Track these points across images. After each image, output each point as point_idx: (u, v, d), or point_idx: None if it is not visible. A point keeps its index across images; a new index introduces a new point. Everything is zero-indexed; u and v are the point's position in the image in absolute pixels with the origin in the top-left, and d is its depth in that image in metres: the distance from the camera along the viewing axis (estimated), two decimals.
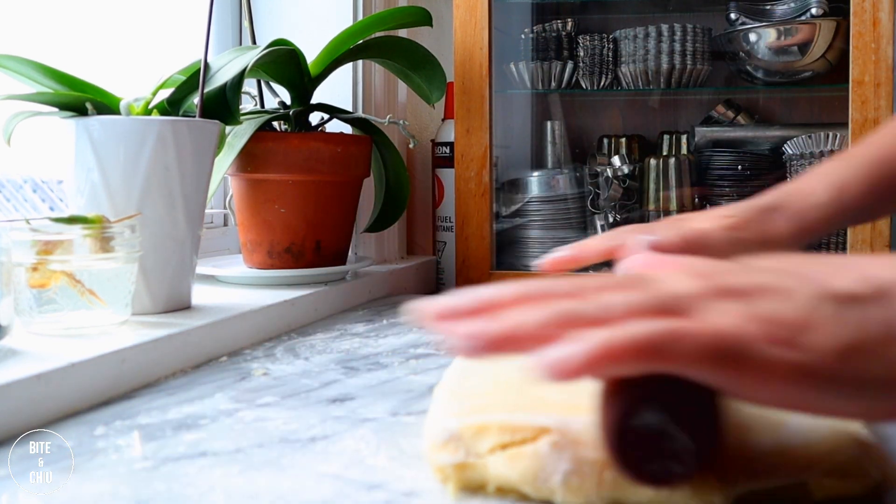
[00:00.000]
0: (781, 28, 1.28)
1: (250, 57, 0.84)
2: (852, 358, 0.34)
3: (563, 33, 1.39)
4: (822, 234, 0.76)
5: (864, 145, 0.76)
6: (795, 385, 0.33)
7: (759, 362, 0.33)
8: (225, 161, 0.94)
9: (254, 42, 1.02)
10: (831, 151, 1.24)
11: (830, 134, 1.25)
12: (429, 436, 0.44)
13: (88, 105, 0.74)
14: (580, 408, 0.39)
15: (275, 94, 1.05)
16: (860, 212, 0.76)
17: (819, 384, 0.33)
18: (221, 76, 0.82)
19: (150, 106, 0.78)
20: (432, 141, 1.40)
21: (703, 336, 0.33)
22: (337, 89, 1.18)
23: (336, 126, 1.10)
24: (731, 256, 0.72)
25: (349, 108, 1.20)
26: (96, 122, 0.73)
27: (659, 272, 0.40)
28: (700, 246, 0.72)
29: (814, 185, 0.73)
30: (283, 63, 0.98)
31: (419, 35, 1.29)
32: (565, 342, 0.33)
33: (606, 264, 0.70)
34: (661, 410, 0.34)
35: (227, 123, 0.83)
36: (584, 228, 1.36)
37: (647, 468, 0.34)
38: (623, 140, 1.41)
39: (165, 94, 0.81)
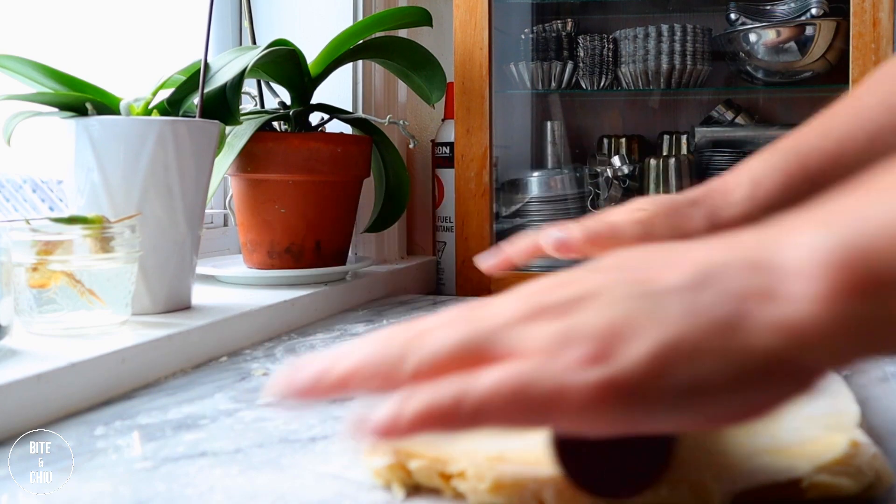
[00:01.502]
0: (781, 28, 1.28)
1: (250, 57, 0.84)
2: (668, 362, 0.29)
3: (563, 33, 1.39)
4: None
5: (786, 137, 0.71)
6: (605, 405, 0.29)
7: (555, 394, 0.29)
8: (225, 161, 0.94)
9: (254, 42, 1.02)
10: None
11: None
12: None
13: (88, 105, 0.74)
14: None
15: (275, 94, 1.05)
16: (779, 208, 0.71)
17: (626, 399, 0.29)
18: (221, 76, 0.82)
19: (150, 106, 0.78)
20: (432, 141, 1.40)
21: (486, 391, 0.30)
22: (337, 89, 1.18)
23: (336, 126, 1.10)
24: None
25: (349, 108, 1.20)
26: (96, 122, 0.73)
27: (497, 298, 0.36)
28: (608, 241, 0.69)
29: (733, 180, 0.70)
30: (283, 63, 0.98)
31: (419, 35, 1.29)
32: (364, 413, 0.33)
33: None
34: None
35: (227, 123, 0.83)
36: None
37: (598, 480, 0.34)
38: (623, 140, 1.41)
39: (165, 94, 0.81)
